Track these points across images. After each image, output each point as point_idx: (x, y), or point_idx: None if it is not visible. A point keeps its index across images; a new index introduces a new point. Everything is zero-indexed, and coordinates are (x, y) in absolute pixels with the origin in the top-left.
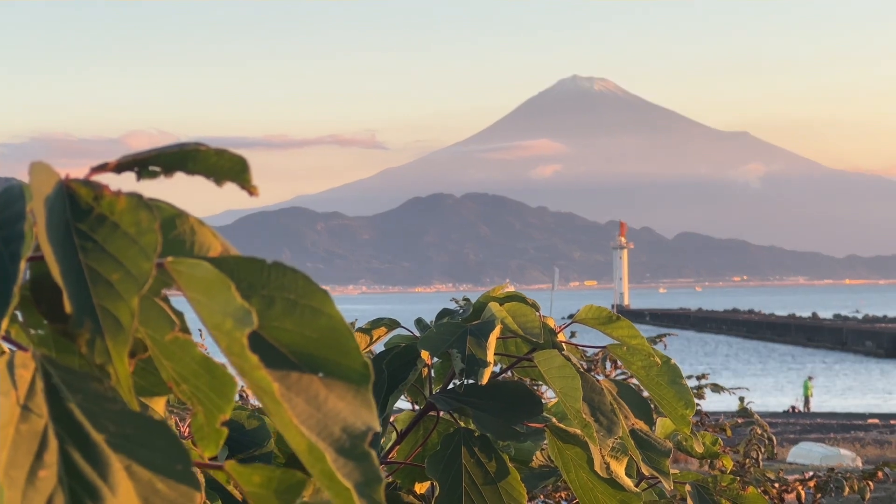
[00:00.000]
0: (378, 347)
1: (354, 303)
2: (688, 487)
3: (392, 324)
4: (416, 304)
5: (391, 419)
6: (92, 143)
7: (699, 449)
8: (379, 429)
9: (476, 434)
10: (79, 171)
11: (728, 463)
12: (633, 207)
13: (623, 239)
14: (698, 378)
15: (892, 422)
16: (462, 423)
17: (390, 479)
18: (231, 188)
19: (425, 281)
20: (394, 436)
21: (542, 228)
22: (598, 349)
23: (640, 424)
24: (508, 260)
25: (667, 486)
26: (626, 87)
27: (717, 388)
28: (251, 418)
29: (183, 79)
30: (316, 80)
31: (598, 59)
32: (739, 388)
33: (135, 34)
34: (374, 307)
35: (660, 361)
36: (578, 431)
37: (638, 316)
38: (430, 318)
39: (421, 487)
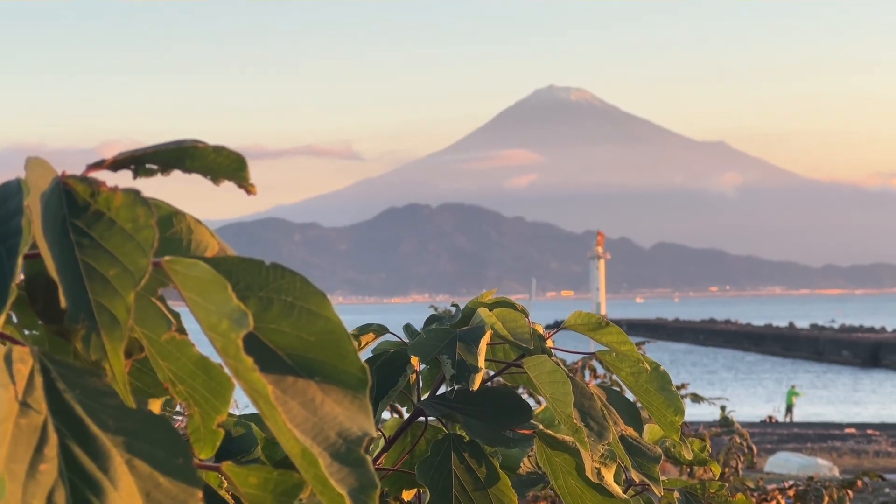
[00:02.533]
0: (366, 353)
1: None
2: (676, 494)
3: (380, 329)
4: (393, 314)
5: (379, 425)
6: (66, 154)
7: (688, 455)
8: (375, 434)
9: (466, 440)
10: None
11: (716, 469)
12: (609, 217)
13: (600, 249)
14: (678, 388)
15: (868, 431)
16: (450, 430)
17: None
18: (204, 197)
19: (402, 291)
20: (382, 442)
21: (519, 239)
22: (581, 356)
23: (630, 430)
24: (485, 270)
25: (657, 491)
26: (602, 96)
27: (697, 398)
28: (238, 425)
29: (158, 89)
30: (291, 90)
31: (575, 69)
32: (719, 398)
33: (109, 44)
34: (351, 318)
35: (649, 368)
36: (567, 438)
37: None
38: None
39: (408, 495)
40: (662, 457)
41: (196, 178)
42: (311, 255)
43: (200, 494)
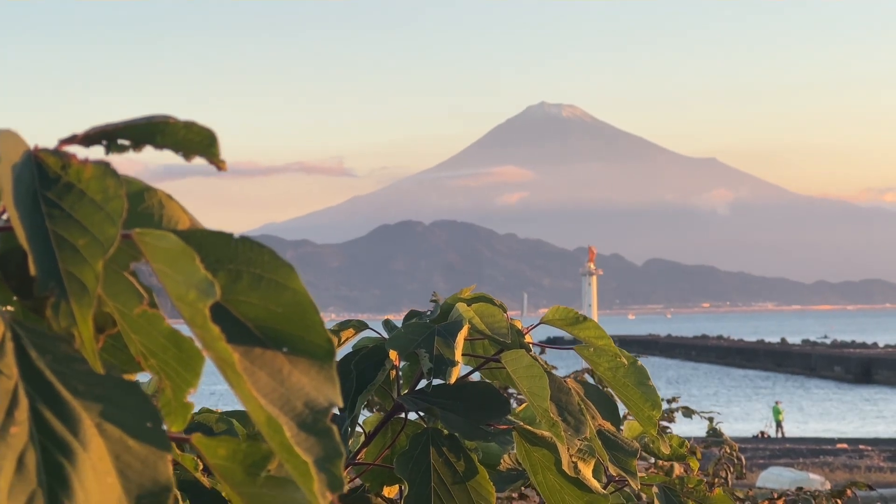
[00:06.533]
0: (346, 349)
1: None
2: (655, 489)
3: (360, 325)
4: None
5: (359, 422)
6: None
7: (666, 450)
8: (341, 404)
9: (445, 434)
10: None
11: (695, 464)
12: (601, 234)
13: (592, 265)
14: (669, 401)
15: (860, 446)
16: (429, 425)
17: (358, 483)
18: (195, 215)
19: (395, 308)
20: (362, 438)
21: (511, 255)
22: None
23: (607, 425)
24: (477, 286)
25: (634, 485)
26: (594, 113)
27: (688, 412)
28: (220, 422)
29: (149, 105)
30: (282, 107)
31: (566, 86)
32: (711, 411)
33: (102, 60)
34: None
35: (626, 362)
36: (546, 433)
37: None
38: None
39: (390, 491)
40: (640, 451)
41: (189, 197)
42: (303, 271)
43: (170, 457)
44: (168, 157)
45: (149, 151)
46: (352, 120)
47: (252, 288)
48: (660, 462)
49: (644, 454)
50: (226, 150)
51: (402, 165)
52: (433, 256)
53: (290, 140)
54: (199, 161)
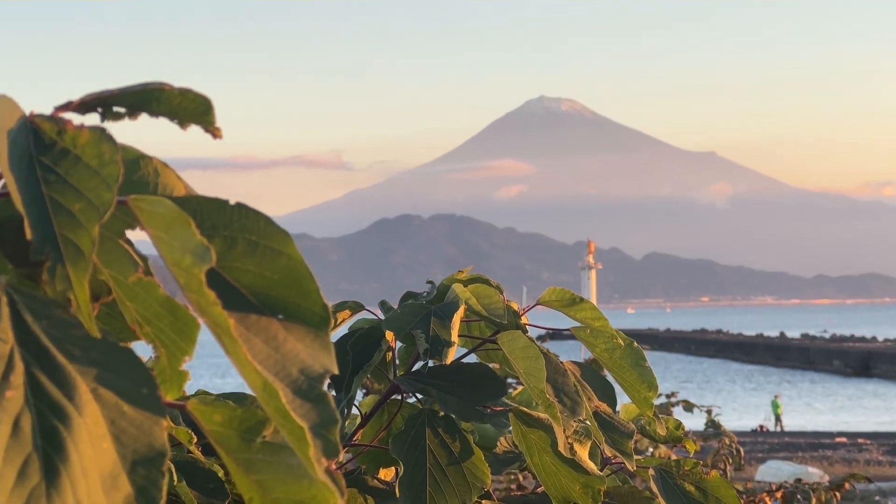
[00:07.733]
0: (342, 330)
1: None
2: (651, 471)
3: (356, 307)
4: None
5: (356, 403)
6: None
7: (662, 432)
8: (336, 370)
9: (440, 415)
10: None
11: (691, 447)
12: (600, 228)
13: (591, 259)
14: (668, 396)
15: (859, 440)
16: (426, 406)
17: (354, 467)
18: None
19: (394, 302)
20: (358, 419)
21: (510, 249)
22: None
23: (604, 407)
24: None
25: (629, 466)
26: (593, 107)
27: (689, 406)
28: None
29: None
30: (281, 100)
31: (566, 80)
32: (712, 406)
33: (96, 52)
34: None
35: (623, 343)
36: (542, 415)
37: None
38: None
39: (386, 474)
40: (636, 432)
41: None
42: None
43: (165, 423)
44: (163, 151)
45: (143, 146)
46: (350, 114)
47: (247, 254)
48: (657, 454)
49: (640, 445)
50: (224, 145)
51: (401, 159)
52: (432, 250)
53: (288, 134)
54: (196, 155)
